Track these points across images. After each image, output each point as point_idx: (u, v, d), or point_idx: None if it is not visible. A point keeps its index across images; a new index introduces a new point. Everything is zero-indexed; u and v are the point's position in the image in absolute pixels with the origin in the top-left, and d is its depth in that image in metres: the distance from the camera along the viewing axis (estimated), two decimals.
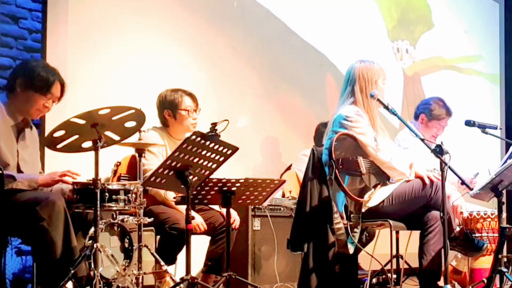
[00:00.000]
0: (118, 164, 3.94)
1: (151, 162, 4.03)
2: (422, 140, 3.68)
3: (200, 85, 5.27)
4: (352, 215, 3.89)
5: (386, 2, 7.30)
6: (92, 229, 3.30)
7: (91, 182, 3.31)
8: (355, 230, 3.87)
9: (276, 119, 5.97)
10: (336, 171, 3.78)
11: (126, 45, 4.86)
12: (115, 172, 3.94)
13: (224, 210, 3.87)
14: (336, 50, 6.51)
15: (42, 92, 3.54)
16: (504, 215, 3.87)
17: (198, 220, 4.08)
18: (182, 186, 3.35)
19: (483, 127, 4.55)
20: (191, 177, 3.34)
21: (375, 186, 3.95)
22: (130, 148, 4.11)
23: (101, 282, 3.28)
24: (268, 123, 5.90)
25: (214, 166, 3.44)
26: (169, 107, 4.29)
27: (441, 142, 3.57)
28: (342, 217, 3.88)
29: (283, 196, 5.00)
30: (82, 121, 3.23)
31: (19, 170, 3.52)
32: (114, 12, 4.83)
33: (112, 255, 3.41)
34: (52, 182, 3.50)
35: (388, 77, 4.18)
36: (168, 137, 4.28)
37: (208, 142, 3.31)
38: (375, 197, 3.93)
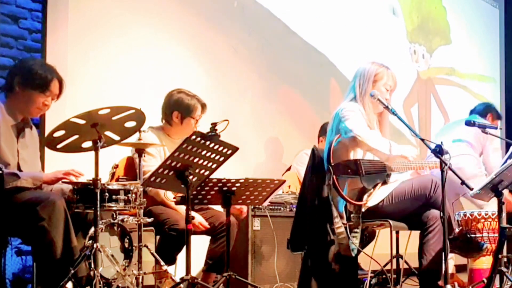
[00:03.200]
0: (116, 166, 3.94)
1: (150, 164, 4.02)
2: (422, 140, 3.69)
3: (200, 85, 5.27)
4: (352, 215, 3.89)
5: (407, 6, 7.41)
6: (92, 229, 3.30)
7: (91, 182, 3.31)
8: (355, 230, 3.87)
9: (276, 119, 5.97)
10: (334, 177, 3.79)
11: (126, 45, 4.86)
12: (113, 174, 3.93)
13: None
14: (337, 50, 6.52)
15: (41, 91, 3.54)
16: (504, 215, 3.87)
17: (199, 219, 4.07)
18: (182, 186, 3.35)
19: (483, 127, 4.55)
20: (191, 177, 3.34)
21: (374, 186, 3.95)
22: (126, 150, 4.12)
23: (101, 282, 3.28)
24: (268, 123, 5.90)
25: (214, 166, 3.44)
26: (181, 110, 4.24)
27: (441, 142, 3.57)
28: (342, 217, 3.88)
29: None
30: (82, 121, 3.23)
31: (19, 170, 3.51)
32: (114, 12, 4.83)
33: (112, 255, 3.41)
34: (55, 179, 3.49)
35: (401, 75, 4.20)
36: (165, 137, 4.27)
37: (208, 142, 3.31)
38: (375, 196, 3.93)
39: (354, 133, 3.85)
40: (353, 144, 3.93)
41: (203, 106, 4.31)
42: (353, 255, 3.86)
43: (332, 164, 3.82)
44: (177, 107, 4.26)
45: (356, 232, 3.86)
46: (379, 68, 4.09)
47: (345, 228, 3.86)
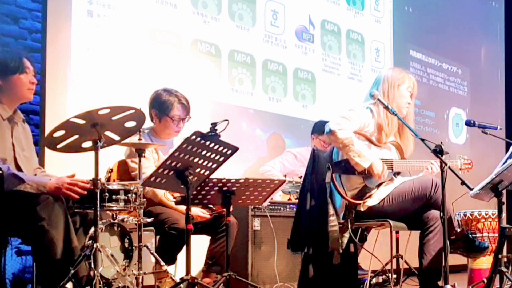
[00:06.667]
0: (110, 171, 3.93)
1: (144, 165, 4.00)
2: (422, 140, 3.69)
3: (200, 85, 5.27)
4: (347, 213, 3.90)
5: None
6: (92, 229, 3.30)
7: (91, 182, 3.30)
8: (345, 234, 3.90)
9: (276, 119, 5.96)
10: (332, 175, 3.80)
11: (126, 45, 4.86)
12: (108, 179, 3.93)
13: None
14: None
15: (20, 72, 3.52)
16: (504, 215, 3.86)
17: (197, 212, 4.06)
18: (182, 186, 3.35)
19: (483, 127, 4.55)
20: (191, 177, 3.34)
21: (378, 186, 3.95)
22: (120, 153, 4.10)
23: (101, 282, 3.27)
24: (268, 123, 5.90)
25: (214, 166, 3.44)
26: (158, 108, 4.19)
27: (441, 142, 3.57)
28: (338, 216, 3.90)
29: None
30: (82, 121, 3.22)
31: (17, 164, 3.49)
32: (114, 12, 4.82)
33: (112, 255, 3.40)
34: (58, 192, 3.36)
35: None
36: (154, 137, 4.23)
37: (208, 142, 3.31)
38: (376, 196, 3.93)
39: (329, 126, 3.83)
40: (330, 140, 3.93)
41: (184, 106, 4.18)
42: (341, 250, 3.86)
43: (332, 163, 3.80)
44: (154, 104, 4.21)
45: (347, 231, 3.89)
46: (401, 73, 4.13)
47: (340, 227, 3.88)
